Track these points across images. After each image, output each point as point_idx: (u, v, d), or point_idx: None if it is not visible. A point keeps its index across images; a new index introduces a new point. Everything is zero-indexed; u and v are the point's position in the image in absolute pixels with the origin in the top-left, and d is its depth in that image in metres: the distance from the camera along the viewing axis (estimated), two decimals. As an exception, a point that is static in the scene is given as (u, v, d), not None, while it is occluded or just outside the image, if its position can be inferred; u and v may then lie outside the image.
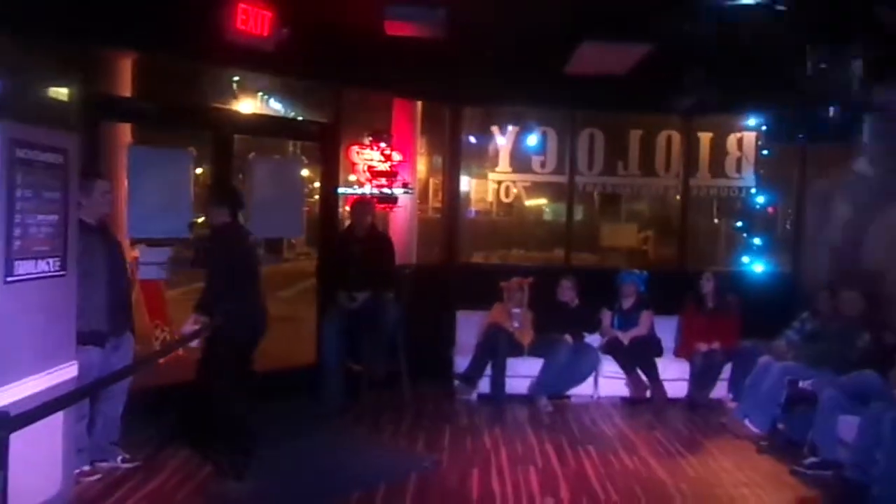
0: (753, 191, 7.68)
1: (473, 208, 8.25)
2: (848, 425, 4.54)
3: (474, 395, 6.24)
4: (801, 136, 6.43)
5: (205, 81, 5.85)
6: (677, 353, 6.55)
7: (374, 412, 5.74)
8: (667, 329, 6.72)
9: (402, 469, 4.54)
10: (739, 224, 8.21)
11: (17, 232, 3.38)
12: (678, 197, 7.56)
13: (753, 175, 7.54)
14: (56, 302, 3.73)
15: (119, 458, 4.41)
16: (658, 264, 8.37)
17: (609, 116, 7.55)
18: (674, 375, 6.29)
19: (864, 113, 5.99)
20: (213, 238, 4.58)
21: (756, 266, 7.48)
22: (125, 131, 5.74)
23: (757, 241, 8.09)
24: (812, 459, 4.67)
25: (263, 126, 5.90)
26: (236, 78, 6.00)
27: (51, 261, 3.65)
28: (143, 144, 5.73)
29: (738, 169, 7.49)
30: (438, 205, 7.82)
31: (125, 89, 5.67)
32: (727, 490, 4.40)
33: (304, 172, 7.16)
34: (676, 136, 7.42)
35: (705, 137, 7.45)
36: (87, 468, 4.20)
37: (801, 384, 5.02)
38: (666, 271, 7.56)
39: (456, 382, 6.27)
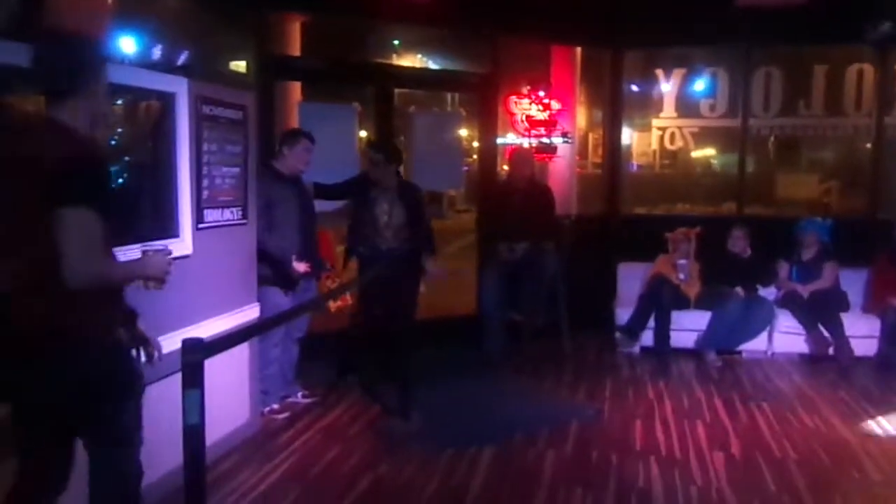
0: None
1: (635, 162, 7.91)
2: None
3: (637, 348, 6.09)
4: None
5: (367, 39, 6.02)
6: (866, 309, 6.00)
7: (535, 362, 5.76)
8: (855, 283, 6.16)
9: (564, 416, 4.54)
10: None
11: (205, 182, 3.68)
12: (870, 138, 6.82)
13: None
14: (240, 248, 4.06)
15: (299, 394, 4.78)
16: (845, 213, 7.63)
17: (788, 52, 6.92)
18: (862, 332, 5.76)
19: None
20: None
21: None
22: (296, 90, 6.05)
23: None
24: None
25: (423, 79, 6.00)
26: (396, 33, 6.11)
27: (234, 210, 3.97)
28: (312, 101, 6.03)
29: (944, 104, 6.63)
30: (599, 160, 7.59)
31: (294, 50, 5.96)
32: (925, 454, 4.00)
33: (463, 132, 7.22)
34: (869, 70, 6.67)
35: (904, 70, 6.64)
36: (276, 406, 4.57)
37: None
38: (854, 220, 6.88)
39: (617, 335, 6.14)
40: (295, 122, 5.49)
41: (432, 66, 5.84)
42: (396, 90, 5.98)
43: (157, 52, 4.34)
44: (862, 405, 4.80)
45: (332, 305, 7.64)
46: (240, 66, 5.16)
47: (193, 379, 2.15)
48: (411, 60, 5.96)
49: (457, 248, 10.80)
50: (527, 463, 3.88)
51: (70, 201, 2.03)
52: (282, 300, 4.42)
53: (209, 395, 2.27)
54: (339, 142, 5.58)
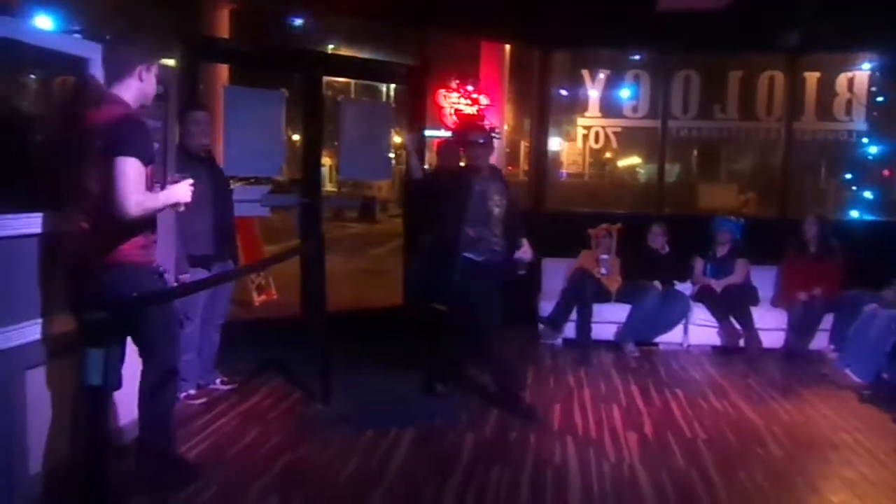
0: (865, 140, 7.21)
1: (563, 165, 8.07)
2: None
3: (559, 340, 6.20)
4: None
5: (297, 27, 5.97)
6: (775, 303, 6.29)
7: (459, 352, 5.78)
8: (764, 279, 6.44)
9: (483, 401, 4.59)
10: (848, 176, 7.77)
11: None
12: (780, 143, 7.16)
13: (865, 121, 7.07)
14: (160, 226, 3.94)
15: (218, 381, 4.68)
16: (757, 213, 8.00)
17: (706, 57, 7.22)
18: (770, 325, 6.03)
19: None
20: None
21: (865, 216, 7.06)
22: (223, 74, 5.95)
23: (868, 194, 7.64)
24: (919, 407, 4.41)
25: (351, 68, 5.98)
26: (327, 23, 6.08)
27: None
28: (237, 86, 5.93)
29: (848, 112, 7.03)
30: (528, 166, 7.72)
31: (223, 34, 5.86)
32: (825, 435, 4.20)
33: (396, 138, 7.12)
34: (780, 77, 7.02)
35: (812, 77, 7.01)
36: (192, 392, 4.46)
37: (910, 330, 4.72)
38: (765, 220, 7.21)
39: (541, 326, 6.25)
40: (221, 105, 5.39)
41: (364, 52, 5.82)
42: (326, 78, 5.96)
43: (76, 23, 4.20)
44: (768, 391, 5.03)
45: (257, 299, 7.54)
46: (165, 43, 5.04)
47: (97, 338, 2.08)
48: (342, 48, 5.91)
49: (387, 249, 10.85)
50: (446, 444, 3.91)
51: (122, 153, 2.74)
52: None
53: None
54: (265, 127, 5.51)
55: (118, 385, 2.84)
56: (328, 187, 14.40)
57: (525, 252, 4.59)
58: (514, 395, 4.49)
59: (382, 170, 6.40)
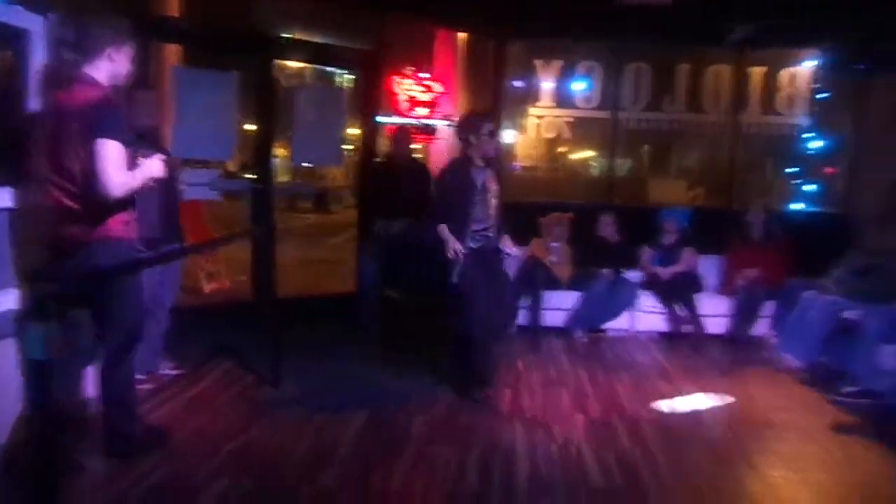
0: (808, 134, 7.44)
1: (517, 155, 8.13)
2: (892, 355, 4.46)
3: (510, 328, 6.26)
4: (861, 66, 6.17)
5: (250, 8, 5.87)
6: (720, 291, 6.46)
7: (413, 339, 5.82)
8: (711, 268, 6.61)
9: (435, 385, 4.64)
10: (792, 169, 8.00)
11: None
12: (726, 135, 7.35)
13: (807, 116, 7.30)
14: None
15: (166, 367, 4.61)
16: (704, 204, 8.20)
17: (656, 50, 7.35)
18: (714, 312, 6.20)
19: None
20: None
21: (807, 208, 7.31)
22: (174, 56, 5.83)
23: (810, 187, 7.88)
24: (852, 388, 4.60)
25: (304, 51, 5.92)
26: (281, 4, 6.00)
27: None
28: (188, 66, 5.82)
29: (791, 106, 7.25)
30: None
31: (172, 12, 5.74)
32: (763, 413, 4.36)
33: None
34: (726, 71, 7.20)
35: (757, 72, 7.20)
36: (140, 377, 4.37)
37: (845, 314, 4.92)
38: (712, 210, 7.42)
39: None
40: (170, 86, 5.30)
41: (318, 36, 5.76)
42: (279, 62, 5.90)
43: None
44: (711, 374, 5.19)
45: (208, 287, 7.43)
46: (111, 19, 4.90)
47: (37, 311, 2.04)
48: (296, 32, 5.84)
49: (342, 239, 10.79)
50: (397, 426, 3.93)
51: (103, 135, 2.87)
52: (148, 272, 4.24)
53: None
54: (216, 110, 5.42)
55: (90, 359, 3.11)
56: (283, 178, 14.24)
57: (510, 246, 4.65)
58: (488, 381, 4.49)
59: (334, 156, 6.36)
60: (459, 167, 4.42)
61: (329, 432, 3.77)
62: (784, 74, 7.21)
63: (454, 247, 4.32)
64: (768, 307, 6.07)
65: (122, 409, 3.31)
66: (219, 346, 5.13)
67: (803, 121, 7.32)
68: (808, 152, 7.62)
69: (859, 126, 7.07)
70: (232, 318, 5.57)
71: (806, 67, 7.16)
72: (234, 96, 5.47)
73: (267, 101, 5.75)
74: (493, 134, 4.47)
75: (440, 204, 4.43)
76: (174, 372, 4.61)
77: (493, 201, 4.46)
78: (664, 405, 4.41)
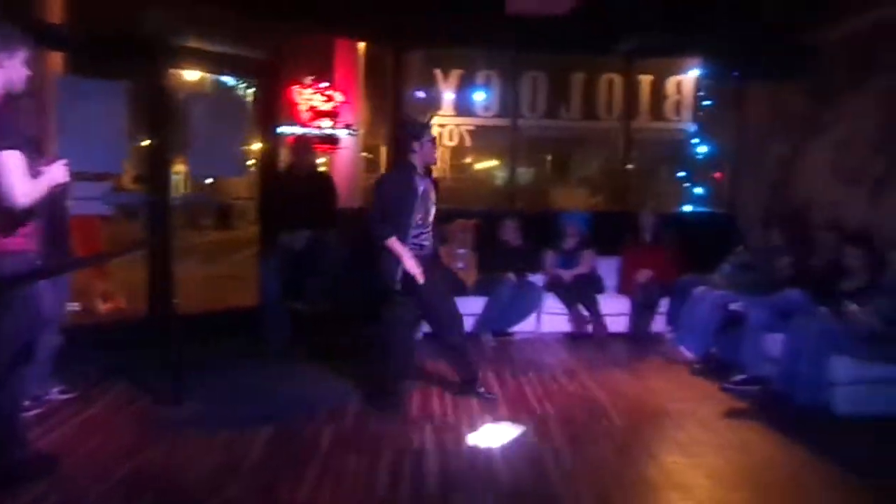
0: (695, 140, 7.85)
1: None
2: (774, 343, 4.74)
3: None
4: (736, 74, 6.57)
5: (140, 14, 5.65)
6: (620, 290, 6.70)
7: (319, 350, 5.74)
8: (610, 268, 6.85)
9: (343, 395, 4.58)
10: (681, 174, 8.42)
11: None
12: (620, 141, 7.65)
13: (693, 122, 7.69)
14: None
15: (55, 391, 4.36)
16: (601, 207, 8.52)
17: (551, 59, 7.59)
18: (615, 311, 6.43)
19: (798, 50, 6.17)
20: None
21: (696, 209, 7.70)
22: (58, 65, 5.55)
23: (699, 190, 8.32)
24: (741, 376, 4.86)
25: (200, 60, 5.76)
26: (175, 12, 5.80)
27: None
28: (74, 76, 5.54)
29: (678, 113, 7.63)
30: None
31: (54, 18, 5.46)
32: (660, 405, 4.55)
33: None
34: (618, 80, 7.51)
35: (645, 80, 7.55)
36: (26, 403, 4.12)
37: (731, 306, 5.20)
38: (609, 213, 7.70)
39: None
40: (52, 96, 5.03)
41: (214, 45, 5.60)
42: (172, 70, 5.72)
43: None
44: (612, 370, 5.37)
45: (103, 307, 7.07)
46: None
47: None
48: (191, 40, 5.66)
49: (246, 256, 10.52)
50: (304, 437, 3.87)
51: (4, 147, 2.85)
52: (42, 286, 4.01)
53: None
54: (105, 121, 5.20)
55: None
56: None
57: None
58: (472, 380, 4.61)
59: (234, 167, 6.21)
60: (401, 174, 4.37)
61: (234, 448, 3.66)
62: (671, 82, 7.59)
63: (409, 262, 4.25)
64: (664, 304, 6.34)
65: (8, 433, 3.12)
66: (114, 367, 4.89)
67: (690, 127, 7.71)
68: (697, 157, 8.05)
69: (739, 132, 7.53)
70: (129, 338, 5.33)
71: (691, 76, 7.55)
72: (123, 106, 5.26)
73: (161, 110, 5.56)
74: (435, 142, 4.46)
75: (380, 210, 4.33)
76: (64, 396, 4.36)
77: (433, 209, 4.46)
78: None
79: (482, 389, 4.62)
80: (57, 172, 3.14)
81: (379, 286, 4.40)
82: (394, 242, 4.25)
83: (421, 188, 4.34)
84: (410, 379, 4.66)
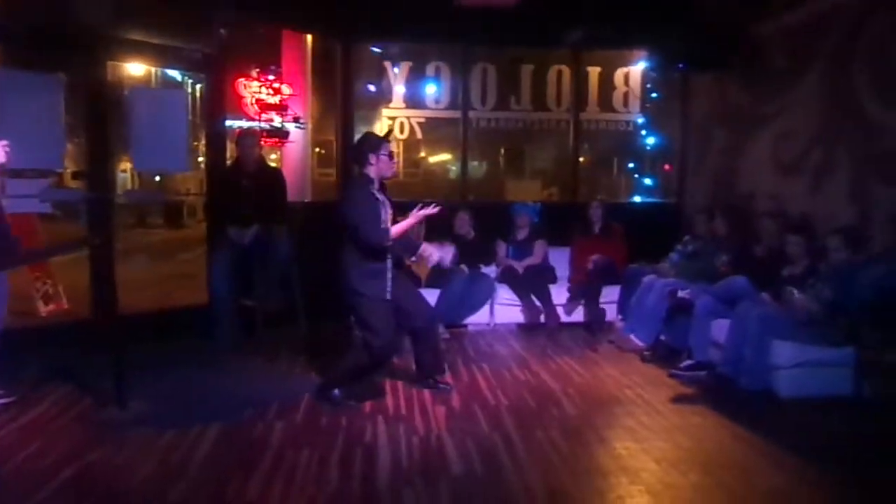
0: (643, 132, 7.95)
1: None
2: (720, 329, 4.85)
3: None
4: (681, 65, 6.68)
5: (77, 4, 5.45)
6: (571, 279, 6.76)
7: (270, 347, 5.66)
8: (561, 259, 6.92)
9: (295, 391, 4.53)
10: (631, 165, 8.53)
11: None
12: (569, 132, 7.70)
13: (641, 114, 7.79)
14: None
15: (-8, 395, 4.21)
16: (551, 198, 8.58)
17: (500, 51, 7.60)
18: (567, 301, 6.49)
19: (739, 42, 6.30)
20: None
21: (645, 200, 7.81)
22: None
23: (648, 181, 8.46)
24: (688, 362, 4.96)
25: (140, 52, 5.60)
26: (114, 2, 5.62)
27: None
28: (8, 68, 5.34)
29: (626, 104, 7.71)
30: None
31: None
32: (611, 391, 4.62)
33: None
34: (566, 71, 7.55)
35: (594, 72, 7.61)
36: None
37: (679, 293, 5.30)
38: (559, 204, 7.75)
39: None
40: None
41: (157, 37, 5.42)
42: (112, 63, 5.56)
43: None
44: (565, 360, 5.43)
45: (44, 309, 6.85)
46: None
47: None
48: (133, 32, 5.48)
49: (196, 255, 10.31)
50: (254, 434, 3.81)
51: None
52: None
53: None
54: (41, 116, 5.02)
55: None
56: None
57: (430, 251, 4.65)
58: (439, 371, 4.70)
59: (179, 161, 6.06)
60: (362, 186, 4.28)
61: (180, 448, 3.59)
62: (619, 74, 7.66)
63: (412, 219, 4.32)
64: (614, 293, 6.42)
65: None
66: (56, 370, 4.74)
67: (639, 118, 7.81)
68: (645, 148, 8.17)
69: (685, 124, 7.66)
70: (71, 340, 5.18)
71: (638, 68, 7.64)
72: (60, 100, 5.09)
73: (100, 104, 5.39)
74: (393, 156, 4.41)
75: (359, 222, 4.18)
76: (2, 401, 4.21)
77: (389, 219, 4.39)
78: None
79: (434, 380, 4.63)
80: None
81: (347, 301, 4.38)
82: (394, 231, 4.25)
83: (381, 198, 4.31)
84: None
